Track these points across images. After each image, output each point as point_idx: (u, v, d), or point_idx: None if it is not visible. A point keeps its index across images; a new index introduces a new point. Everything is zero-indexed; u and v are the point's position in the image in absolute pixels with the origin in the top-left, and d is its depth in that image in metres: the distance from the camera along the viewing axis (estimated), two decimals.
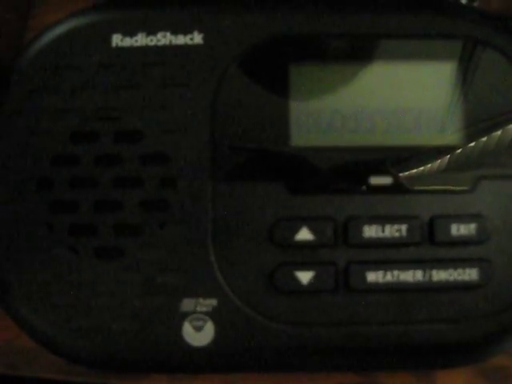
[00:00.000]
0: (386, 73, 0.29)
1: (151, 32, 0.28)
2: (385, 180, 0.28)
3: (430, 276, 0.27)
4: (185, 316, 0.27)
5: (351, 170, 0.28)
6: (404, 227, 0.27)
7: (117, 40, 0.28)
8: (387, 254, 0.27)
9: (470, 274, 0.27)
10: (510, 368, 0.31)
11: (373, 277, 0.27)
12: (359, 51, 0.29)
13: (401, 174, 0.28)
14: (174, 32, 0.28)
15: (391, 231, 0.27)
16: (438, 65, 0.29)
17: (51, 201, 0.27)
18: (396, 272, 0.27)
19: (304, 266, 0.27)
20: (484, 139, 0.28)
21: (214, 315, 0.27)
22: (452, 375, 0.31)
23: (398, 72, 0.28)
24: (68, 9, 0.29)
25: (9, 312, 0.28)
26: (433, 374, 0.31)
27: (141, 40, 0.28)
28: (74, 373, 0.31)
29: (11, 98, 0.28)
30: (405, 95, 0.28)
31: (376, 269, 0.27)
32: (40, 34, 0.29)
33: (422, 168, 0.28)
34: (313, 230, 0.27)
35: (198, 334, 0.27)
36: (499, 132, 0.28)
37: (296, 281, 0.27)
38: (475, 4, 0.35)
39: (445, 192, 0.28)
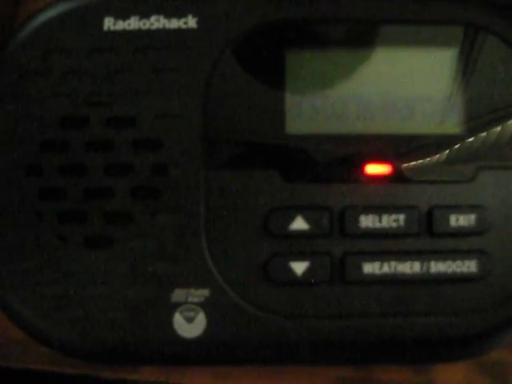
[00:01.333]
0: (385, 60, 0.28)
1: (144, 15, 0.27)
2: (382, 169, 0.27)
3: (428, 268, 0.27)
4: (176, 306, 0.26)
5: (348, 158, 0.27)
6: (402, 217, 0.27)
7: (109, 23, 0.27)
8: (384, 244, 0.27)
9: (469, 266, 0.27)
10: (508, 362, 0.31)
11: (369, 268, 0.26)
12: (358, 37, 0.28)
13: (399, 164, 0.27)
14: (168, 16, 0.27)
15: (388, 221, 0.27)
16: (439, 52, 0.28)
17: (40, 188, 0.27)
18: (393, 263, 0.27)
19: (299, 257, 0.26)
20: (485, 129, 0.28)
21: (205, 306, 0.26)
22: (450, 369, 0.31)
23: (397, 59, 0.28)
24: None
25: None
26: (430, 368, 0.31)
27: (133, 24, 0.27)
28: (63, 364, 0.31)
29: (0, 83, 0.27)
30: (404, 82, 0.28)
31: (373, 260, 0.26)
32: (30, 17, 0.28)
33: (420, 157, 0.27)
34: (308, 219, 0.27)
35: (190, 325, 0.26)
36: (501, 122, 0.27)
37: (290, 271, 0.26)
38: None
39: (444, 182, 0.27)
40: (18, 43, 0.27)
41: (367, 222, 0.27)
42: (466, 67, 0.28)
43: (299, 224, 0.27)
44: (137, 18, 0.27)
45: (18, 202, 0.27)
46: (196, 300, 0.26)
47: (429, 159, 0.27)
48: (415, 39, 0.28)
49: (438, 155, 0.27)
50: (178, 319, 0.26)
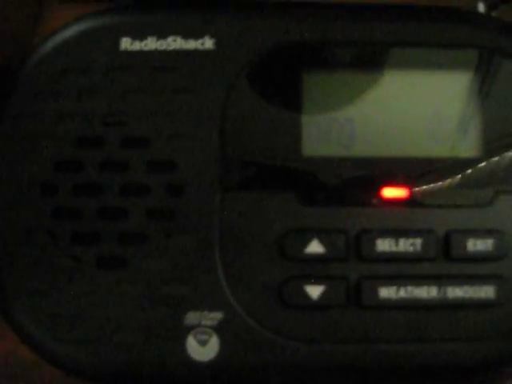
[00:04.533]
0: (402, 82, 0.28)
1: (161, 36, 0.27)
2: (399, 193, 0.27)
3: (445, 293, 0.26)
4: (189, 329, 0.26)
5: (364, 181, 0.27)
6: (419, 242, 0.26)
7: (126, 44, 0.27)
8: (401, 269, 0.26)
9: (487, 292, 0.26)
10: None
11: (385, 293, 0.26)
12: (374, 60, 0.28)
13: (416, 187, 0.27)
14: (185, 36, 0.27)
15: (405, 245, 0.26)
16: (456, 75, 0.28)
17: (54, 207, 0.27)
18: (410, 288, 0.26)
19: (314, 280, 0.26)
20: (502, 152, 0.27)
21: (219, 329, 0.26)
22: None
23: (413, 81, 0.28)
24: (79, 13, 0.29)
25: (8, 321, 0.27)
26: None
27: (150, 44, 0.27)
28: None
29: (17, 101, 0.27)
30: (420, 105, 0.28)
31: (389, 284, 0.26)
32: (48, 36, 0.28)
33: (437, 181, 0.27)
34: (324, 242, 0.26)
35: (203, 349, 0.26)
36: None
37: (306, 295, 0.26)
38: (493, 14, 0.34)
39: (461, 206, 0.27)
40: (36, 62, 0.27)
41: (384, 245, 0.26)
42: (482, 90, 0.28)
43: (315, 247, 0.26)
44: (154, 38, 0.27)
45: (32, 221, 0.26)
46: (209, 323, 0.26)
47: (446, 183, 0.27)
48: (432, 62, 0.28)
49: (454, 179, 0.27)
50: (191, 342, 0.26)
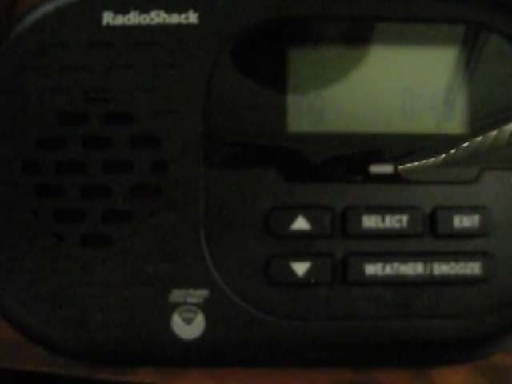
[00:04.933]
0: (388, 58, 0.28)
1: (144, 10, 0.27)
2: (385, 169, 0.27)
3: (431, 269, 0.26)
4: (174, 307, 0.26)
5: (351, 157, 0.27)
6: (405, 218, 0.26)
7: (108, 18, 0.27)
8: (387, 245, 0.26)
9: (473, 268, 0.26)
10: (508, 366, 0.30)
11: (371, 269, 0.26)
12: (360, 35, 0.28)
13: (402, 164, 0.27)
14: (168, 11, 0.27)
15: (391, 222, 0.26)
16: (442, 50, 0.28)
17: (37, 185, 0.26)
18: (396, 265, 0.26)
19: (300, 257, 0.26)
20: (489, 129, 0.27)
21: (204, 307, 0.26)
22: (450, 373, 0.31)
23: (400, 57, 0.28)
24: None
25: None
26: (430, 371, 0.31)
27: (133, 18, 0.27)
28: (59, 365, 0.30)
29: None
30: (407, 81, 0.27)
31: (375, 261, 0.26)
32: (28, 11, 0.28)
33: (424, 157, 0.27)
34: (309, 219, 0.26)
35: (188, 327, 0.26)
36: (504, 122, 0.27)
37: (291, 272, 0.26)
38: None
39: (448, 182, 0.27)
40: (16, 37, 0.27)
41: (370, 222, 0.26)
42: (469, 66, 0.28)
43: (300, 224, 0.26)
44: (137, 12, 0.27)
45: (15, 199, 0.26)
46: (195, 301, 0.26)
47: (432, 159, 0.27)
48: (418, 37, 0.28)
49: (441, 155, 0.27)
50: (176, 320, 0.26)
